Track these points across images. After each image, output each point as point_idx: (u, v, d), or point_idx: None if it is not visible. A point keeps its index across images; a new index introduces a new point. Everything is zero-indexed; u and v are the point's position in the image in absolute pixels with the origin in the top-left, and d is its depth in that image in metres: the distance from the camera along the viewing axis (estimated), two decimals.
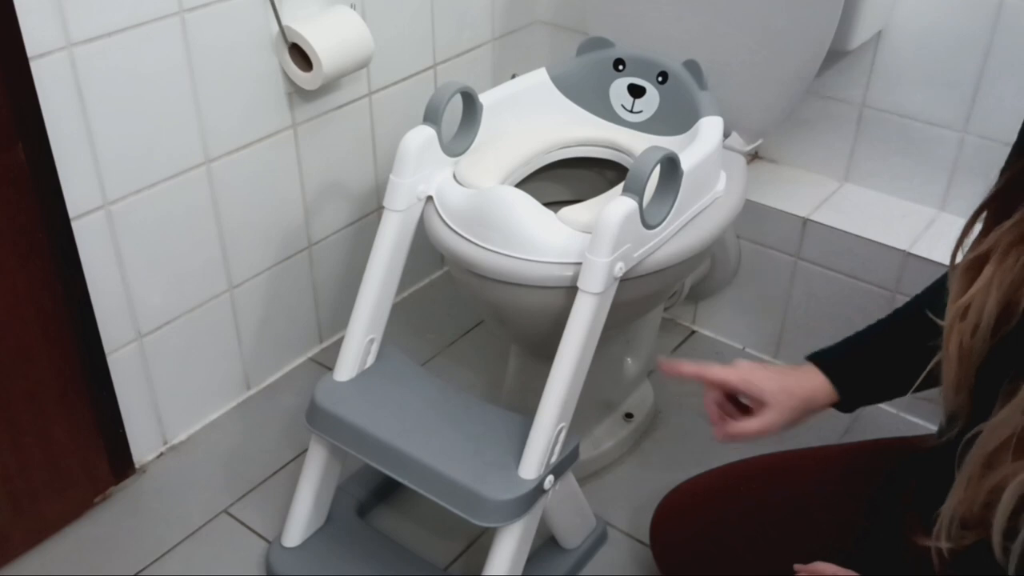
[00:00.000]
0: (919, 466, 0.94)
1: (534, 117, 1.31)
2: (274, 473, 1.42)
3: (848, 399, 0.99)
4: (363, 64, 1.41)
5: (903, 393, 0.99)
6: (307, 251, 1.56)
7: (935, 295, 0.97)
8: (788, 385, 0.97)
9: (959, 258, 0.80)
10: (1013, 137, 1.47)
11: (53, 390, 1.25)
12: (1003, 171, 0.84)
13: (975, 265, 0.76)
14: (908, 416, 1.51)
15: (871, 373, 0.99)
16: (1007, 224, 0.74)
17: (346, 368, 1.19)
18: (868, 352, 1.00)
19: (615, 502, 1.37)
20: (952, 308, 0.78)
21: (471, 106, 1.22)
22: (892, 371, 0.97)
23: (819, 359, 1.00)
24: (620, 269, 1.04)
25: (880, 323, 1.01)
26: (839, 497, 1.03)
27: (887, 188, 1.55)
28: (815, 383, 0.98)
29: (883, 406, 1.52)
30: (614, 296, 1.06)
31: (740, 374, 0.99)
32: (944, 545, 0.75)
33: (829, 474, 1.06)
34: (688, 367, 1.03)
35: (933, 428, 0.89)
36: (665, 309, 1.61)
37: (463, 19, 1.65)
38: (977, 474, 0.73)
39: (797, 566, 0.91)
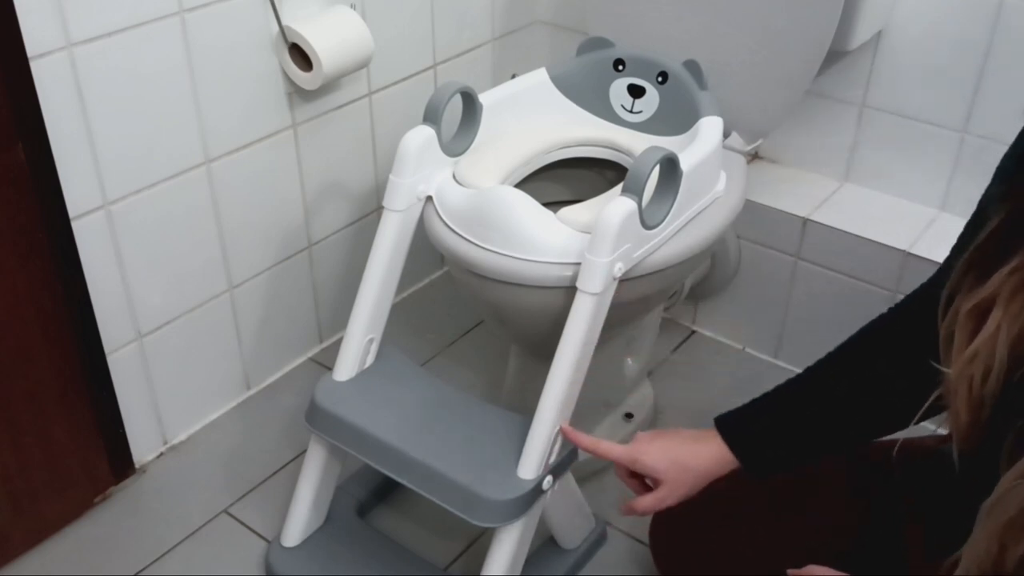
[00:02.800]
0: (922, 472, 0.94)
1: (534, 117, 1.31)
2: (274, 473, 1.42)
3: (753, 468, 0.96)
4: (363, 64, 1.41)
5: (831, 453, 0.97)
6: (307, 251, 1.56)
7: (863, 342, 0.95)
8: (681, 459, 0.96)
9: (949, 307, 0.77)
10: (1013, 137, 1.47)
11: (53, 390, 1.25)
12: (981, 206, 0.82)
13: (979, 311, 0.74)
14: None
15: (780, 440, 0.96)
16: (1008, 267, 0.72)
17: (345, 368, 1.19)
18: (778, 416, 0.96)
19: (615, 502, 1.37)
20: (959, 357, 0.75)
21: (471, 106, 1.22)
22: (805, 437, 0.95)
23: (722, 425, 0.97)
24: (619, 269, 1.04)
25: (795, 381, 0.97)
26: (838, 498, 1.03)
27: (887, 188, 1.55)
28: (713, 454, 0.96)
29: None
30: (614, 296, 1.06)
31: (630, 453, 0.98)
32: None
33: (829, 475, 1.06)
34: (584, 440, 1.03)
35: (935, 429, 0.88)
36: (665, 309, 1.61)
37: (463, 19, 1.65)
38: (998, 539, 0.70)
39: (791, 571, 0.90)
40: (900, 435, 0.93)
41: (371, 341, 1.20)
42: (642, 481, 1.01)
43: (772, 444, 0.96)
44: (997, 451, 0.72)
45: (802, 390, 0.97)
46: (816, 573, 0.89)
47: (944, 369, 0.77)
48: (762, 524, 1.03)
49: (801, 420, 0.95)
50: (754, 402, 0.98)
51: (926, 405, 0.81)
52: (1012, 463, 0.69)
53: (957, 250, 0.86)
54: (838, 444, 0.97)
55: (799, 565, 0.91)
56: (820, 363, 0.97)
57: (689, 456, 0.96)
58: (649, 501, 0.97)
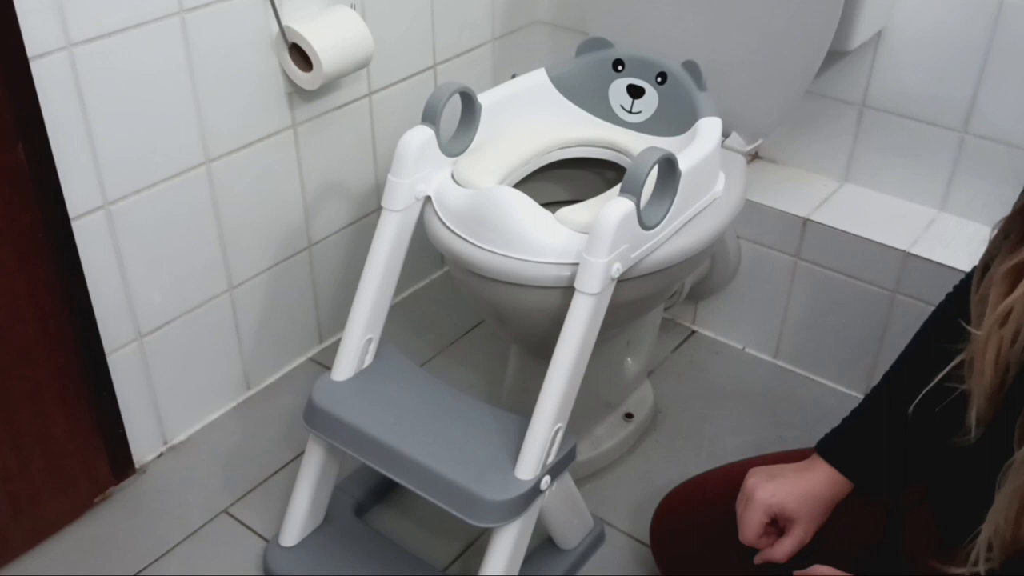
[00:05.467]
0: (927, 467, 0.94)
1: (533, 117, 1.31)
2: (274, 473, 1.43)
3: (866, 485, 0.95)
4: (363, 64, 1.41)
5: (935, 447, 0.91)
6: (307, 251, 1.56)
7: (931, 332, 0.95)
8: (809, 492, 0.95)
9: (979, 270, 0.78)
10: (1013, 137, 1.47)
11: (53, 390, 1.25)
12: None
13: (1015, 272, 0.74)
14: None
15: (881, 449, 0.94)
16: None
17: (344, 368, 1.19)
18: (872, 426, 0.95)
19: (615, 502, 1.37)
20: (991, 314, 0.75)
21: (469, 106, 1.22)
22: (910, 444, 0.92)
23: (823, 449, 0.96)
24: (617, 270, 1.04)
25: (877, 388, 0.97)
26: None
27: (887, 188, 1.54)
28: (828, 479, 0.95)
29: None
30: (613, 296, 1.06)
31: (769, 508, 0.95)
32: (983, 568, 0.73)
33: None
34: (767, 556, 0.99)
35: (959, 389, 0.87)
36: (665, 309, 1.61)
37: (463, 19, 1.65)
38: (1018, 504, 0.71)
39: (797, 572, 0.90)
40: None
41: (369, 341, 1.20)
42: (768, 534, 0.98)
43: (875, 455, 0.94)
44: (1011, 426, 0.73)
45: (885, 394, 0.96)
46: (820, 574, 0.89)
47: (974, 331, 0.77)
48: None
49: (893, 422, 0.93)
50: (848, 420, 0.98)
51: (952, 364, 0.81)
52: None
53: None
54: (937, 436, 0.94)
55: (803, 566, 0.91)
56: (895, 364, 0.97)
57: (812, 487, 0.95)
58: (790, 543, 0.95)
